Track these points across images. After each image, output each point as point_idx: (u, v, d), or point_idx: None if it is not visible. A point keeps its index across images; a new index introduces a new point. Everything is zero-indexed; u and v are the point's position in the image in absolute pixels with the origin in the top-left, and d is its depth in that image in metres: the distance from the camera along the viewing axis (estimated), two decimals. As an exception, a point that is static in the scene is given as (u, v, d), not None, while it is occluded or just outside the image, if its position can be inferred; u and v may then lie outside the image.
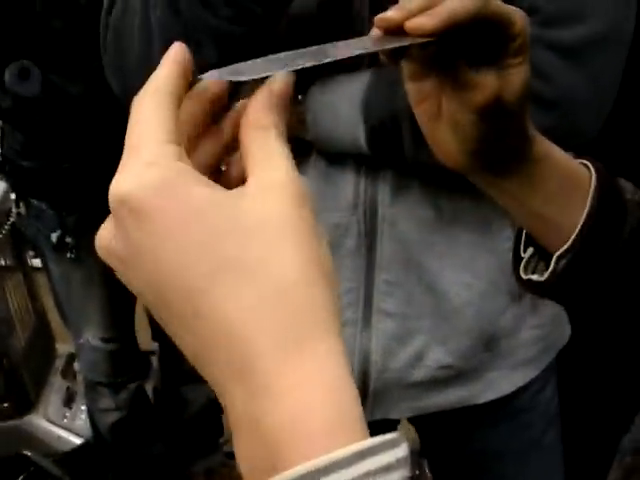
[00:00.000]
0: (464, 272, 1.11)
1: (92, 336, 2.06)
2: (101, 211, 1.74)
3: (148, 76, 0.45)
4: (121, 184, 0.41)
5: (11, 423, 2.43)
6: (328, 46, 0.51)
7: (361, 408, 0.40)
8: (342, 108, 1.00)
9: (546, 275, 0.67)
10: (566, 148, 0.95)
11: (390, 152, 1.01)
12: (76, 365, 2.46)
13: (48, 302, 2.64)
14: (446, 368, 1.15)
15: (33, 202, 1.94)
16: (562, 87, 0.91)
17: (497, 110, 0.60)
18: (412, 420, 1.28)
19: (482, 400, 1.19)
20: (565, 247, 0.65)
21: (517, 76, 0.60)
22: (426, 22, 0.54)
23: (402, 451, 0.38)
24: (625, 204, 0.67)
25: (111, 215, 0.42)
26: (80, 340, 2.09)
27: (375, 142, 1.00)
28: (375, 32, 0.55)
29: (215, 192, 0.41)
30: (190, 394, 2.36)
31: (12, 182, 2.00)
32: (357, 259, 1.09)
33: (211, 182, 0.42)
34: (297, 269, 0.39)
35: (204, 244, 0.39)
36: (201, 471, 2.42)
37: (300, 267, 0.39)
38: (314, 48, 0.50)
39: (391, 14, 0.55)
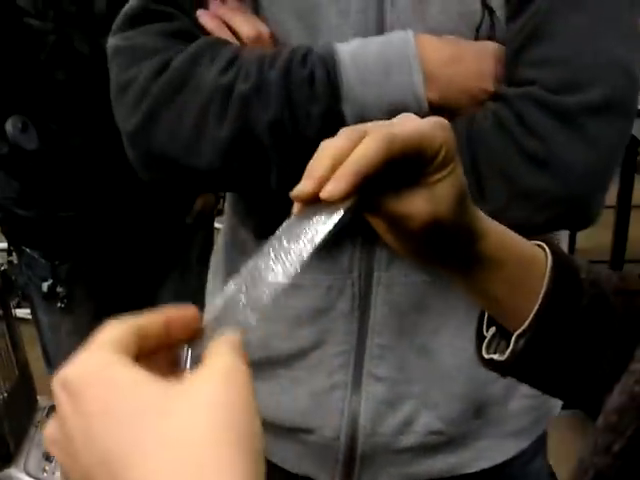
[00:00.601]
0: (457, 337, 1.11)
1: None
2: (93, 261, 1.78)
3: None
4: (63, 370, 0.47)
5: (-11, 476, 2.41)
6: (270, 247, 0.55)
7: None
8: None
9: (506, 355, 0.69)
10: (569, 221, 0.96)
11: None
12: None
13: (31, 353, 2.64)
14: (436, 434, 1.14)
15: (26, 250, 1.95)
16: (556, 148, 0.93)
17: (436, 228, 0.63)
18: None
19: (473, 469, 1.18)
20: (523, 327, 0.68)
21: (447, 189, 0.62)
22: (335, 190, 0.56)
23: None
24: (580, 283, 0.69)
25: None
26: None
27: None
28: (297, 207, 0.58)
29: (140, 372, 0.45)
30: None
31: (6, 230, 2.02)
32: (350, 322, 1.09)
33: (144, 371, 0.46)
34: (209, 433, 0.42)
35: (124, 421, 0.43)
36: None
37: (211, 431, 0.42)
38: (259, 260, 0.54)
39: (303, 187, 0.57)
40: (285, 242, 0.55)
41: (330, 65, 0.96)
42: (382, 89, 0.95)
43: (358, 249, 1.07)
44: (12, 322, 2.53)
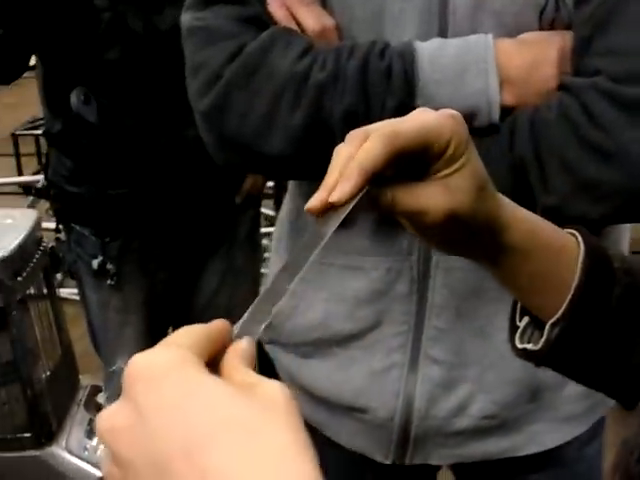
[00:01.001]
0: None
1: (125, 364, 2.09)
2: (143, 238, 1.82)
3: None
4: (139, 358, 0.49)
5: (32, 453, 2.44)
6: (294, 259, 0.57)
7: None
8: None
9: (540, 344, 0.69)
10: (630, 213, 0.95)
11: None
12: (101, 397, 2.49)
13: (73, 333, 2.69)
14: (489, 418, 1.15)
15: (75, 228, 1.98)
16: (620, 139, 0.92)
17: (454, 220, 0.63)
18: (453, 467, 1.29)
19: (524, 452, 1.19)
20: (557, 317, 0.68)
21: (462, 182, 0.62)
22: (342, 194, 0.58)
23: None
24: (614, 272, 0.69)
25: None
26: (112, 367, 2.12)
27: None
28: (310, 219, 0.59)
29: (213, 378, 0.47)
30: None
31: (57, 208, 2.06)
32: (408, 304, 1.10)
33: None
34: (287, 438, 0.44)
35: (206, 407, 0.44)
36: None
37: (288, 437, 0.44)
38: (283, 273, 0.57)
39: (314, 202, 0.59)
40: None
41: (408, 61, 0.97)
42: (456, 91, 0.96)
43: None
44: (56, 301, 2.57)
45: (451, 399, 1.14)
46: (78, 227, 1.98)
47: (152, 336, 2.11)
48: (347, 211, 0.59)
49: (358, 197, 0.59)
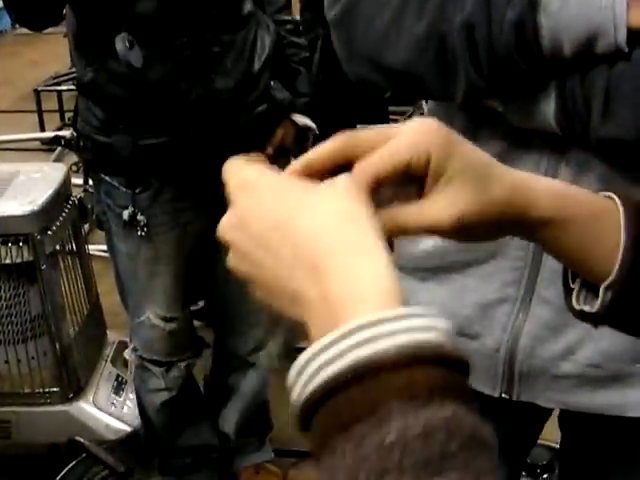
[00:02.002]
0: None
1: (153, 314, 2.14)
2: (174, 190, 1.86)
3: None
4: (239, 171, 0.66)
5: (60, 408, 2.50)
6: None
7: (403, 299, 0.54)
8: None
9: (596, 307, 0.71)
10: None
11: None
12: (127, 353, 2.54)
13: (101, 289, 2.74)
14: (595, 367, 1.14)
15: (105, 179, 2.02)
16: None
17: (470, 224, 0.66)
18: (559, 419, 1.30)
19: (633, 414, 1.16)
20: (609, 280, 0.69)
21: (460, 188, 0.64)
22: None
23: (443, 323, 0.52)
24: None
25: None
26: (140, 318, 2.17)
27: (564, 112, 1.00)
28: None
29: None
30: (241, 384, 2.43)
31: (85, 159, 2.09)
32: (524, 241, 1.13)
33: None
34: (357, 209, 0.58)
35: (292, 199, 0.60)
36: (250, 466, 2.49)
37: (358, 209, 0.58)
38: None
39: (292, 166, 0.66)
40: None
41: None
42: (581, 9, 0.94)
43: (544, 161, 1.07)
44: (85, 256, 2.62)
45: (558, 341, 1.14)
46: (108, 178, 2.01)
47: (181, 287, 2.16)
48: None
49: None
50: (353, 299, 0.53)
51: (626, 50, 0.95)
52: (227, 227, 0.62)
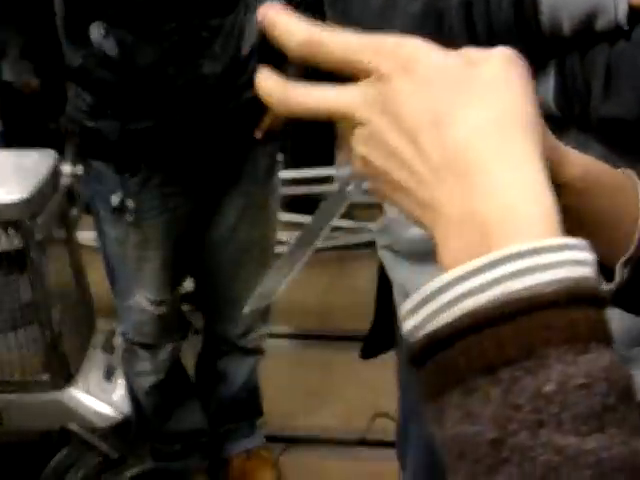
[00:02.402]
0: None
1: (143, 298, 2.17)
2: (163, 174, 1.87)
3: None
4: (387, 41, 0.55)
5: (50, 396, 2.51)
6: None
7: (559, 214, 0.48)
8: None
9: (613, 284, 0.68)
10: None
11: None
12: (115, 339, 2.56)
13: (91, 276, 2.76)
14: None
15: (94, 164, 2.04)
16: None
17: None
18: None
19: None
20: (627, 255, 0.67)
21: None
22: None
23: (594, 256, 0.47)
24: None
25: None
26: (129, 302, 2.20)
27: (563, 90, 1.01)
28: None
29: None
30: (231, 368, 2.46)
31: (75, 143, 2.11)
32: None
33: None
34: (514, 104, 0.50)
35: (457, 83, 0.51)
36: (241, 452, 2.52)
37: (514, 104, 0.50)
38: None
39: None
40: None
41: None
42: None
43: None
44: (74, 243, 2.63)
45: None
46: (97, 163, 2.03)
47: (170, 271, 2.19)
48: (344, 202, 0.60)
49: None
50: (507, 220, 0.47)
51: (626, 28, 0.95)
52: (365, 104, 0.53)
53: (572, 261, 0.45)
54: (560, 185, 0.62)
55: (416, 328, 0.47)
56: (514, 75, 0.51)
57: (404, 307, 0.48)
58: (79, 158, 2.14)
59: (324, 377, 2.89)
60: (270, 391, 2.55)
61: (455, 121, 0.49)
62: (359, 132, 0.53)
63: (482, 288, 0.45)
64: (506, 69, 0.51)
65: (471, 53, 0.53)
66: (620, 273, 0.67)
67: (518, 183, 0.47)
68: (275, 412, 2.57)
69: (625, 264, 0.67)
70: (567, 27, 0.97)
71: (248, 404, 2.51)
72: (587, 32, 0.97)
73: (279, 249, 2.36)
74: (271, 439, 2.59)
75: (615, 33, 0.95)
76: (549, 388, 0.42)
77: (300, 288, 3.41)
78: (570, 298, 0.44)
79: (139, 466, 2.36)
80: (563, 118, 1.02)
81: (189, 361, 2.49)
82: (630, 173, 0.69)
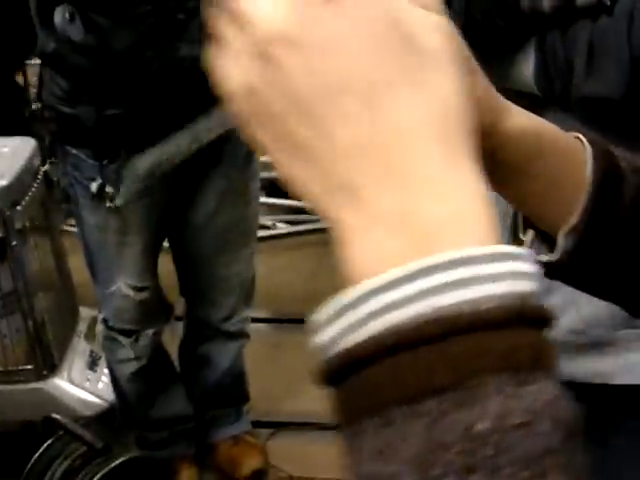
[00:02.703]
0: None
1: (124, 284, 2.17)
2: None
3: None
4: None
5: (34, 386, 2.51)
6: None
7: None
8: None
9: (557, 255, 0.64)
10: None
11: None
12: (98, 327, 2.55)
13: (73, 264, 2.75)
14: (577, 333, 1.13)
15: (71, 151, 2.03)
16: None
17: None
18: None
19: (617, 381, 1.14)
20: (572, 223, 0.63)
21: None
22: None
23: (536, 267, 0.41)
24: (622, 173, 0.65)
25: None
26: (110, 289, 2.19)
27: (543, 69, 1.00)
28: None
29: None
30: (215, 353, 2.46)
31: (51, 130, 2.10)
32: None
33: None
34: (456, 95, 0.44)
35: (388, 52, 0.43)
36: (228, 438, 2.51)
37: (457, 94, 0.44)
38: None
39: None
40: None
41: None
42: None
43: None
44: (55, 231, 2.63)
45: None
46: (74, 150, 2.02)
47: (151, 256, 2.18)
48: None
49: None
50: (443, 221, 0.40)
51: (608, 3, 0.93)
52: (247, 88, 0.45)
53: (515, 273, 0.39)
54: (504, 134, 0.59)
55: (331, 341, 0.40)
56: (454, 54, 0.45)
57: (317, 317, 0.41)
58: (56, 145, 2.13)
59: (310, 361, 2.89)
60: (256, 376, 2.54)
61: (394, 103, 0.42)
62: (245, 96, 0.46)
63: (410, 299, 0.38)
64: (448, 44, 0.45)
65: (400, 14, 0.44)
66: (563, 243, 0.63)
67: (462, 186, 0.41)
68: (261, 397, 2.57)
69: (568, 233, 0.63)
70: (547, 3, 0.96)
71: (233, 390, 2.50)
72: (568, 8, 0.96)
73: (261, 233, 2.36)
74: (257, 424, 2.59)
75: (597, 8, 0.94)
76: (483, 426, 0.36)
77: (285, 272, 3.44)
78: (513, 318, 0.38)
79: (125, 455, 2.36)
80: (544, 97, 1.01)
81: (173, 348, 2.48)
82: (578, 136, 0.65)
